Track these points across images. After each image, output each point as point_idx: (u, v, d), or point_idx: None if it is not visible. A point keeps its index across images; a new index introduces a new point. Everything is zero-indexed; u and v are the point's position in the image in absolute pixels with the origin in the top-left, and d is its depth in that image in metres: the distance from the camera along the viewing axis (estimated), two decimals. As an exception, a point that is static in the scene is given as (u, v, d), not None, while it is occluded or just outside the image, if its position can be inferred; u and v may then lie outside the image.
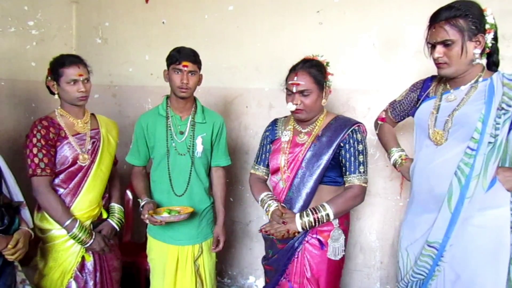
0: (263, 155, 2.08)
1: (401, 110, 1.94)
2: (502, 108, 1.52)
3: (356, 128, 1.86)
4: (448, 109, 1.65)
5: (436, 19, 1.57)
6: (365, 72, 2.52)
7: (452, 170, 1.58)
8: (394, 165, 1.97)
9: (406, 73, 2.31)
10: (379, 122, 2.06)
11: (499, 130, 1.52)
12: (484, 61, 1.67)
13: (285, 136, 1.97)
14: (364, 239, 2.66)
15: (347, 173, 1.85)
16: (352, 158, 1.84)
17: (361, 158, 1.84)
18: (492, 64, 1.67)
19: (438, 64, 1.62)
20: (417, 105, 1.82)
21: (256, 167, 2.11)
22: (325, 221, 1.81)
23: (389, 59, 2.44)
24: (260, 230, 1.88)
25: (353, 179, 1.84)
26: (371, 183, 2.58)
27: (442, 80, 1.75)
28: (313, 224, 1.80)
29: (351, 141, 1.84)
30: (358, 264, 2.70)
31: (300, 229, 1.80)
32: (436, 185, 1.64)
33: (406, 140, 2.33)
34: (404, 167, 1.89)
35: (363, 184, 1.85)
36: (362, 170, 1.84)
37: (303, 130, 1.94)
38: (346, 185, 1.87)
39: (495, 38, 1.61)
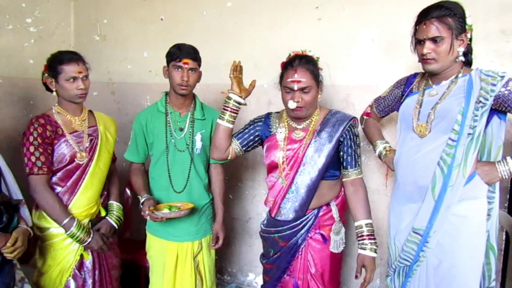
0: (245, 134, 2.00)
1: (386, 106, 2.05)
2: (480, 102, 1.62)
3: (353, 122, 1.89)
4: (430, 103, 1.74)
5: (427, 16, 1.65)
6: (364, 68, 2.51)
7: (435, 160, 1.69)
8: (379, 156, 2.04)
9: (405, 69, 2.30)
10: (365, 117, 2.16)
11: (477, 122, 1.63)
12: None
13: (280, 133, 1.93)
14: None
15: (348, 167, 1.88)
16: (353, 153, 1.87)
17: (358, 151, 1.90)
18: (467, 63, 1.75)
19: (426, 60, 1.69)
20: (401, 101, 1.91)
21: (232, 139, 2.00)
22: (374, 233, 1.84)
23: (388, 55, 2.43)
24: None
25: (353, 173, 1.88)
26: (371, 180, 2.57)
27: (425, 77, 1.85)
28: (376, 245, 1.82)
29: (351, 135, 1.87)
30: (358, 261, 2.69)
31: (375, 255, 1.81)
32: (420, 176, 1.74)
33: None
34: (389, 158, 1.97)
35: (361, 176, 1.91)
36: (359, 163, 1.90)
37: (298, 127, 1.92)
38: (346, 179, 1.90)
39: (470, 39, 1.71)
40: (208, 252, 2.24)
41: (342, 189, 1.97)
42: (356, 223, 1.86)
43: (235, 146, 2.00)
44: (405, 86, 1.92)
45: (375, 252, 1.80)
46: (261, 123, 2.02)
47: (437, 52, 1.65)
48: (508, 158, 1.66)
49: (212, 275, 2.27)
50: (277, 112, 2.06)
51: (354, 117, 1.92)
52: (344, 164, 1.89)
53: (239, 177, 3.01)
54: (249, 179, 2.99)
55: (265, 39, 2.77)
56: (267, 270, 2.07)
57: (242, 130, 2.03)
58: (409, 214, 1.79)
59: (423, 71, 1.84)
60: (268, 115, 2.05)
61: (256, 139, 2.01)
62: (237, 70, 1.90)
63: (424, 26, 1.65)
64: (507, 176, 1.67)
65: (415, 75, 1.92)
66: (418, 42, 1.71)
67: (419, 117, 1.76)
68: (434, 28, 1.62)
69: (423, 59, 1.70)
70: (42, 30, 3.20)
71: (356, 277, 1.84)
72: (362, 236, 1.82)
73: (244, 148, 2.01)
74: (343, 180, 1.92)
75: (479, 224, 1.71)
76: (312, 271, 1.92)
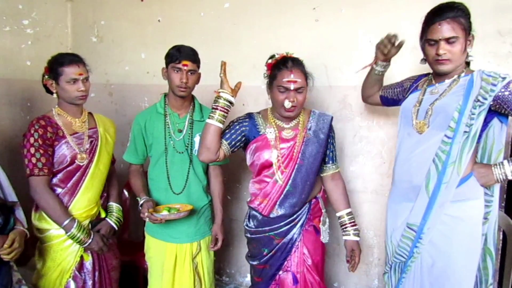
0: (233, 135, 1.96)
1: (392, 89, 2.03)
2: (478, 100, 1.62)
3: (331, 120, 2.02)
4: (430, 100, 1.75)
5: (442, 16, 1.62)
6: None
7: (431, 158, 1.69)
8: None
9: (403, 70, 2.30)
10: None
11: (474, 121, 1.62)
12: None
13: (270, 133, 1.95)
14: (362, 236, 2.65)
15: (330, 162, 2.04)
16: (333, 148, 2.04)
17: (335, 146, 2.06)
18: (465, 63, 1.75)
19: (440, 61, 1.65)
20: (405, 95, 1.92)
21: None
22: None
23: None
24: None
25: (333, 167, 2.05)
26: (369, 180, 2.58)
27: (429, 76, 1.84)
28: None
29: (332, 133, 2.03)
30: (356, 261, 2.70)
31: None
32: (415, 175, 1.74)
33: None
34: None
35: (339, 169, 2.08)
36: (336, 157, 2.08)
37: (286, 126, 1.96)
38: (327, 173, 2.05)
39: None
40: (207, 254, 2.24)
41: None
42: (338, 214, 2.03)
43: (225, 147, 1.95)
44: (414, 82, 1.92)
45: (358, 236, 2.00)
46: (247, 123, 2.00)
47: (452, 53, 1.62)
48: (505, 161, 1.65)
49: (211, 276, 2.28)
50: (258, 113, 2.06)
51: (332, 116, 2.06)
52: (326, 160, 2.03)
53: (237, 178, 3.01)
54: (247, 180, 2.98)
55: (263, 40, 2.78)
56: (259, 270, 2.07)
57: (228, 130, 1.99)
58: (404, 212, 1.79)
59: (423, 71, 1.84)
60: (251, 115, 2.04)
61: (243, 139, 1.99)
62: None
63: (439, 26, 1.61)
64: (503, 180, 1.66)
65: (426, 75, 1.90)
66: (427, 42, 1.68)
67: (418, 115, 1.76)
68: (450, 28, 1.60)
69: (436, 60, 1.66)
70: (39, 32, 3.20)
71: (348, 261, 2.01)
72: (345, 225, 2.01)
73: (231, 149, 1.98)
74: (323, 174, 2.06)
75: (474, 226, 1.69)
76: (309, 263, 1.98)
